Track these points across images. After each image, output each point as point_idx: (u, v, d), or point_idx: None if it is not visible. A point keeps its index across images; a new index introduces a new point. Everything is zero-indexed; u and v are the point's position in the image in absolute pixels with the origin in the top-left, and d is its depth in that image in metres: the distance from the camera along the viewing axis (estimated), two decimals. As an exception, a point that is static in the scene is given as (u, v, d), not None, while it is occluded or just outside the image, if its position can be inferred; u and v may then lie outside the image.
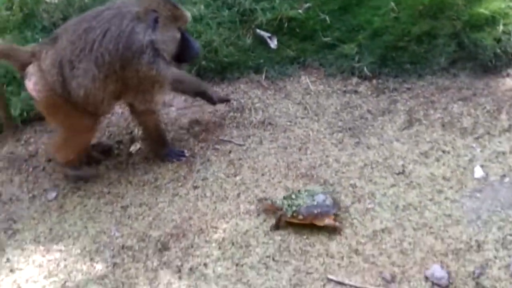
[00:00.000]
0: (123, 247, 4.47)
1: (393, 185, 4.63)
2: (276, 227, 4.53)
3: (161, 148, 5.03)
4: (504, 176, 4.58)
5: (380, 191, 4.61)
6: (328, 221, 4.48)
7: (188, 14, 4.63)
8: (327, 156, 4.89)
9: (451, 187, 4.59)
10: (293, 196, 4.57)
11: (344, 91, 5.35)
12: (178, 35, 4.56)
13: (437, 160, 4.77)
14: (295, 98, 5.34)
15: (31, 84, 4.57)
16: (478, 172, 4.65)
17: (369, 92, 5.32)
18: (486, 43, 5.29)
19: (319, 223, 4.49)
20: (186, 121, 5.29)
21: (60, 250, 4.52)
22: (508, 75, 5.25)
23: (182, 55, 4.64)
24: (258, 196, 4.66)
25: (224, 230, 4.47)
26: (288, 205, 4.52)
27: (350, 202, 4.55)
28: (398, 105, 5.20)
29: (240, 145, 5.08)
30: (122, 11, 4.49)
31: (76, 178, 4.97)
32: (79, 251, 4.49)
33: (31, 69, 4.59)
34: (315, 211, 4.47)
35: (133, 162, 5.10)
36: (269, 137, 5.10)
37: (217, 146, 5.09)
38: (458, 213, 4.42)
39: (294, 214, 4.48)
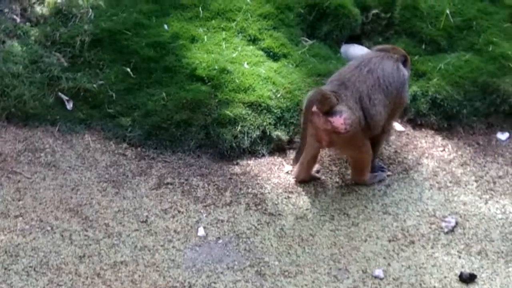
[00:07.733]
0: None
1: (136, 230, 5.08)
2: None
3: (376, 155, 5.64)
4: (219, 238, 5.10)
5: (126, 232, 5.06)
6: None
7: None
8: (92, 199, 5.30)
9: (179, 239, 5.05)
10: None
11: (115, 152, 5.72)
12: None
13: (173, 217, 5.22)
14: (77, 150, 5.68)
15: (342, 119, 5.08)
16: (201, 232, 5.12)
17: (133, 157, 5.72)
18: (226, 137, 5.78)
19: None
20: (-8, 150, 5.54)
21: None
22: (237, 163, 5.77)
23: None
24: (33, 219, 5.07)
25: (1, 241, 4.88)
26: None
27: (102, 236, 4.99)
28: (153, 170, 5.61)
29: (28, 178, 5.43)
30: (386, 57, 5.36)
31: (376, 181, 5.58)
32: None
33: (340, 107, 5.10)
34: None
35: None
36: (52, 176, 5.45)
37: (10, 175, 5.43)
38: (180, 260, 4.90)
39: None
